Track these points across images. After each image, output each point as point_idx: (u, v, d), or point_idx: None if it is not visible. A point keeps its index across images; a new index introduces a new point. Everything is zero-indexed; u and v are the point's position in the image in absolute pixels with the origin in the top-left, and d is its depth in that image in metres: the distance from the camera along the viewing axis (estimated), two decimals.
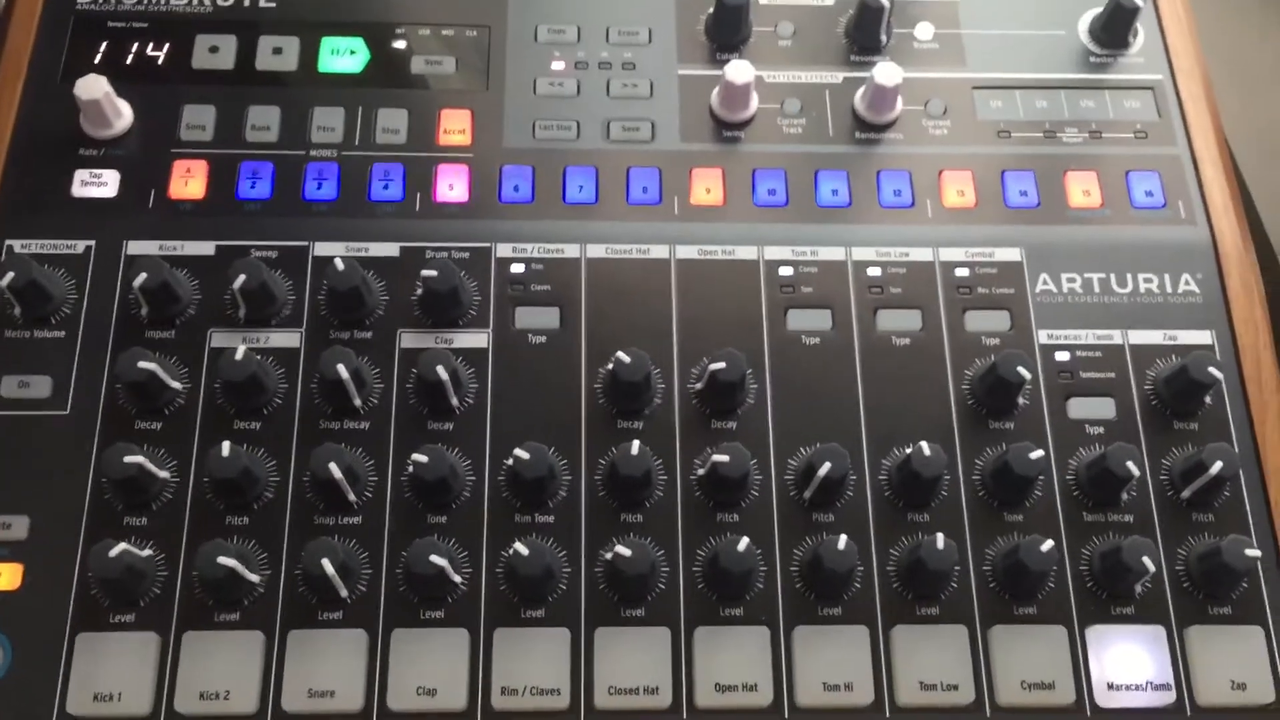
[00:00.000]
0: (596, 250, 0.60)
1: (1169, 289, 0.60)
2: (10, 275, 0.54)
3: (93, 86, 0.59)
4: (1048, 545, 0.52)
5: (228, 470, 0.52)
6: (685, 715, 0.52)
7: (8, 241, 0.58)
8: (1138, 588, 0.54)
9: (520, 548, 0.51)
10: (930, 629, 0.53)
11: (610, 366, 0.55)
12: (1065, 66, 0.66)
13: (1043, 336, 0.59)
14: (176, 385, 0.55)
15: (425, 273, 0.56)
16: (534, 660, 0.52)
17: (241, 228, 0.59)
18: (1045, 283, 0.60)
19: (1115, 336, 0.59)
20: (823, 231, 0.61)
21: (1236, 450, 0.56)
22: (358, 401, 0.55)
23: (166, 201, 0.60)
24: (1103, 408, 0.58)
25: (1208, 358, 0.56)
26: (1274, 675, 0.53)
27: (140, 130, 0.61)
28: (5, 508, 0.53)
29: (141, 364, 0.53)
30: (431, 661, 0.52)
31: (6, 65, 0.62)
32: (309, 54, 0.64)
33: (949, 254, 0.60)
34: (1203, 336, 0.59)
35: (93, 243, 0.58)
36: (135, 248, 0.58)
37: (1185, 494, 0.55)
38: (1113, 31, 0.66)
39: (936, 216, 0.61)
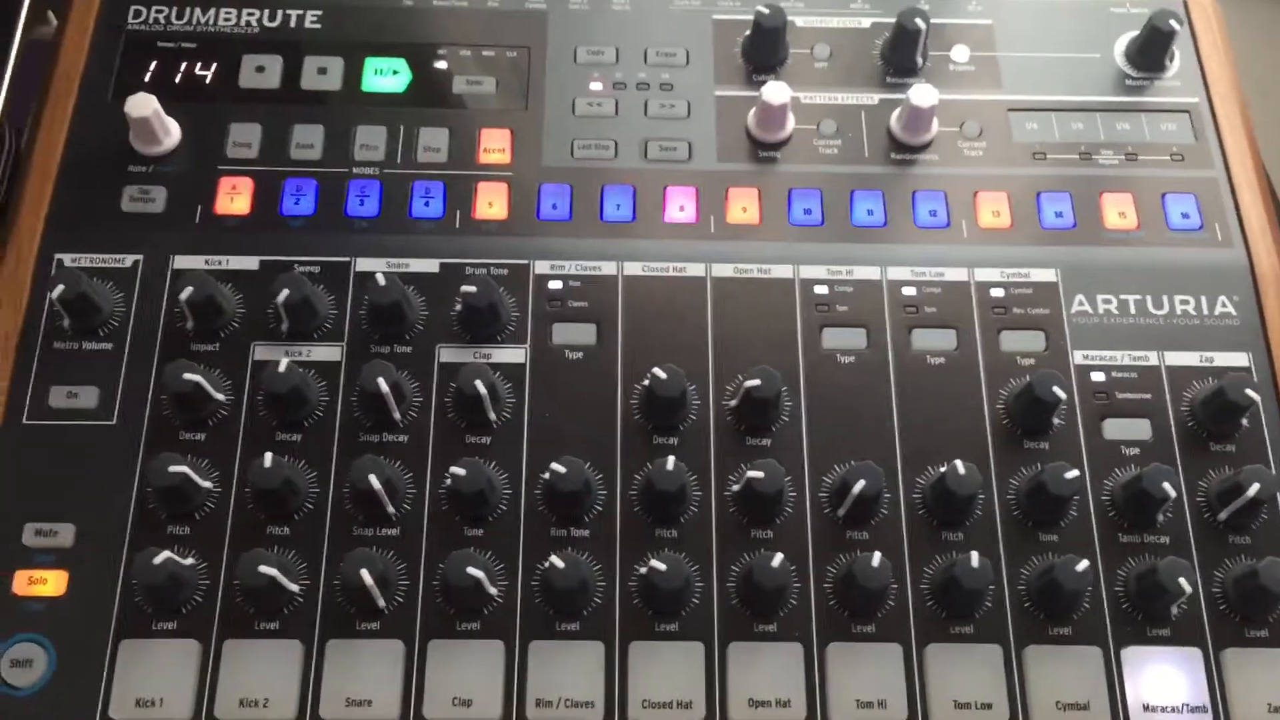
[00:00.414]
0: (633, 268, 0.60)
1: (1205, 311, 0.60)
2: (61, 288, 0.56)
3: (143, 105, 0.60)
4: (1083, 565, 0.52)
5: (270, 481, 0.53)
6: None
7: (58, 255, 0.59)
8: (1174, 609, 0.54)
9: (556, 561, 0.52)
10: (964, 648, 0.53)
11: (646, 383, 0.56)
12: (1101, 89, 0.66)
13: (1078, 357, 0.59)
14: (220, 397, 0.56)
15: (465, 289, 0.57)
16: (568, 673, 0.52)
17: (285, 243, 0.60)
18: (1081, 303, 0.60)
19: (1151, 358, 0.59)
20: (858, 251, 0.61)
21: (1274, 472, 0.56)
22: (397, 415, 0.56)
23: (212, 217, 0.61)
24: (1139, 429, 0.57)
25: (1245, 379, 0.56)
26: None
27: (188, 147, 0.63)
28: (52, 515, 0.54)
29: (187, 375, 0.54)
30: (467, 672, 0.52)
31: (58, 84, 0.64)
32: (353, 74, 0.65)
33: (984, 274, 0.61)
34: (1239, 358, 0.59)
35: (140, 257, 0.60)
36: (181, 262, 0.59)
37: (1222, 516, 0.55)
38: (1149, 55, 0.66)
39: (972, 237, 0.62)
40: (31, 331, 0.58)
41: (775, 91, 0.62)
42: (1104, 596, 0.54)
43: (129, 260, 0.59)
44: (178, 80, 0.65)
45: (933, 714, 0.52)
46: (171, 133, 0.62)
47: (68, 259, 0.59)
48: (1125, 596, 0.54)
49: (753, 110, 0.64)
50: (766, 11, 0.64)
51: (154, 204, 0.61)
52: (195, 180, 0.62)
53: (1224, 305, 0.60)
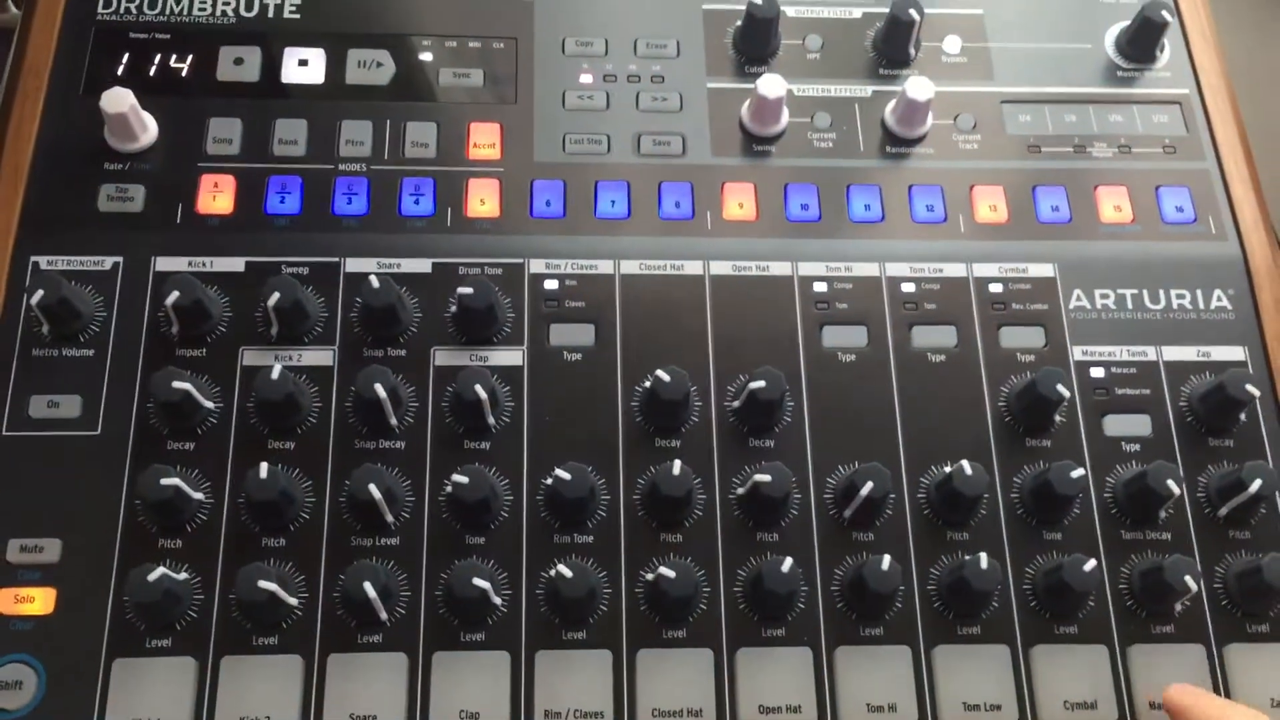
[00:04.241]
0: (630, 266, 0.59)
1: (1201, 305, 0.60)
2: (40, 293, 0.53)
3: (119, 100, 0.58)
4: (1090, 565, 0.52)
5: (266, 492, 0.51)
6: None
7: (34, 258, 0.57)
8: (1178, 606, 0.54)
9: (564, 570, 0.51)
10: (972, 649, 0.53)
11: (649, 385, 0.55)
12: (1092, 80, 0.66)
13: (1077, 353, 0.59)
14: (210, 405, 0.54)
15: (462, 290, 0.55)
16: (576, 682, 0.52)
17: (271, 243, 0.58)
18: (1079, 299, 0.60)
19: (1149, 353, 0.59)
20: (856, 247, 0.61)
21: (1272, 466, 0.56)
22: (394, 421, 0.54)
23: (195, 216, 0.59)
24: (1138, 424, 0.58)
25: (1244, 374, 0.56)
26: None
27: (166, 144, 0.60)
28: (37, 530, 0.52)
29: (176, 384, 0.52)
30: (473, 684, 0.51)
31: (27, 78, 0.61)
32: (335, 66, 0.63)
33: (983, 269, 0.60)
34: (1235, 352, 0.59)
35: (120, 259, 0.57)
36: (164, 264, 0.57)
37: (1223, 511, 0.55)
38: (1139, 45, 0.66)
39: (969, 232, 0.61)
40: (8, 338, 0.56)
41: (771, 85, 0.61)
42: (1108, 594, 0.54)
43: (108, 262, 0.57)
44: (152, 73, 0.62)
45: (943, 716, 0.52)
46: (149, 128, 0.60)
47: (44, 262, 0.57)
48: (1129, 594, 0.54)
49: (747, 103, 0.63)
50: (760, 2, 0.63)
51: (133, 203, 0.59)
52: (175, 178, 0.60)
53: (1219, 299, 0.60)
